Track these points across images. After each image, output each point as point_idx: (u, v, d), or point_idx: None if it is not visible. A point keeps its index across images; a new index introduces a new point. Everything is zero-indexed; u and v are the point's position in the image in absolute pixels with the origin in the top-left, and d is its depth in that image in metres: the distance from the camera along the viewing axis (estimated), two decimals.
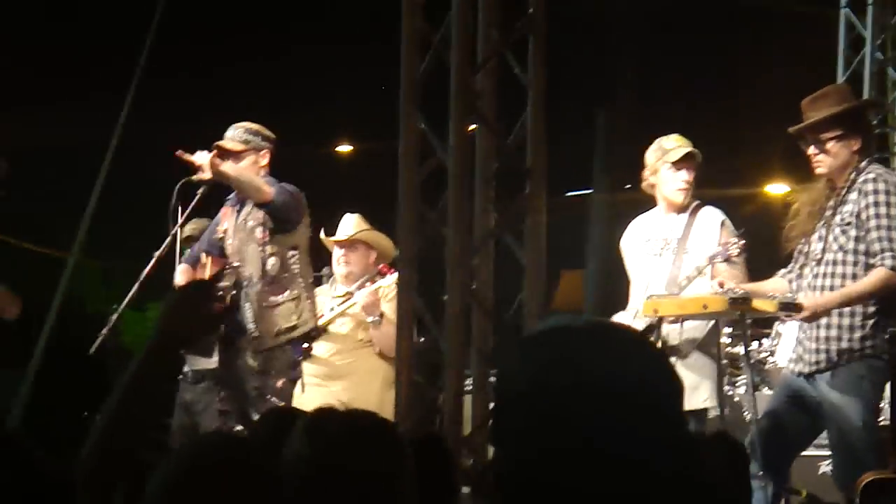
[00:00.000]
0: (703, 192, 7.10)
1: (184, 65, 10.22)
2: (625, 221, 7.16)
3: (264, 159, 7.38)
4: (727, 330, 7.31)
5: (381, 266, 7.73)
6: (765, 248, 6.82)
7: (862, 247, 6.02)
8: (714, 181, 10.87)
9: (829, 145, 6.11)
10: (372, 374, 7.48)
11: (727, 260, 6.52)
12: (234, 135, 7.33)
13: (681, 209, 6.85)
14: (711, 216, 6.78)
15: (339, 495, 2.93)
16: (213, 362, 7.74)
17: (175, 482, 2.43)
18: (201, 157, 7.07)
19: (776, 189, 12.69)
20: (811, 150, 6.17)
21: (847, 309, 6.04)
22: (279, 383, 7.12)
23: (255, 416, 7.04)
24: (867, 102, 6.55)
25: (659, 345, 6.11)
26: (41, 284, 8.21)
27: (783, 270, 6.33)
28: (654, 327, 6.37)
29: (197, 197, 7.54)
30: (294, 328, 7.19)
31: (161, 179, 7.71)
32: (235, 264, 7.10)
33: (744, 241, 6.56)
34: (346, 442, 3.01)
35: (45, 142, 10.28)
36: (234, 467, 2.47)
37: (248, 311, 7.13)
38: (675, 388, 1.77)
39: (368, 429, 3.10)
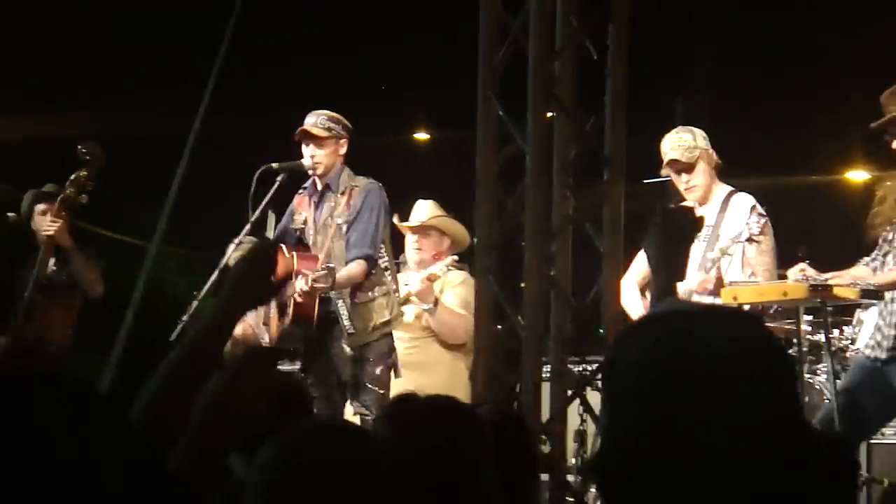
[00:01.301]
0: (782, 179, 7.07)
1: (263, 55, 10.29)
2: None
3: (343, 148, 7.42)
4: (808, 318, 7.28)
5: (433, 253, 7.70)
6: (846, 235, 6.77)
7: None
8: (793, 168, 10.80)
9: None
10: (437, 365, 7.48)
11: (749, 240, 6.49)
12: (317, 121, 7.37)
13: (706, 201, 6.86)
14: (742, 202, 6.76)
15: (421, 478, 2.95)
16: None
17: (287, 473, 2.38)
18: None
19: (857, 176, 12.57)
20: (894, 144, 6.14)
21: None
22: (377, 370, 7.11)
23: (350, 404, 7.09)
24: None
25: None
26: (125, 273, 8.32)
27: (866, 258, 6.29)
28: None
29: (276, 185, 7.60)
30: (388, 322, 7.20)
31: (242, 168, 7.78)
32: (332, 264, 7.09)
33: (765, 220, 6.52)
34: (427, 424, 3.04)
35: (127, 133, 10.39)
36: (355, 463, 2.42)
37: (342, 309, 7.12)
38: (789, 369, 1.76)
39: (449, 411, 3.14)
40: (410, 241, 7.83)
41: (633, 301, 6.91)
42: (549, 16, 5.90)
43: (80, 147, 8.01)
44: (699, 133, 6.94)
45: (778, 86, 11.66)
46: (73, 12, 10.36)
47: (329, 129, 7.37)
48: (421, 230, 7.77)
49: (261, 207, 7.65)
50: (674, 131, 7.01)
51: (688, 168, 6.88)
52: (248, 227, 7.85)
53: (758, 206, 6.71)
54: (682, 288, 6.59)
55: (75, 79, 10.77)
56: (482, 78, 5.99)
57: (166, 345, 8.20)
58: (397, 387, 6.85)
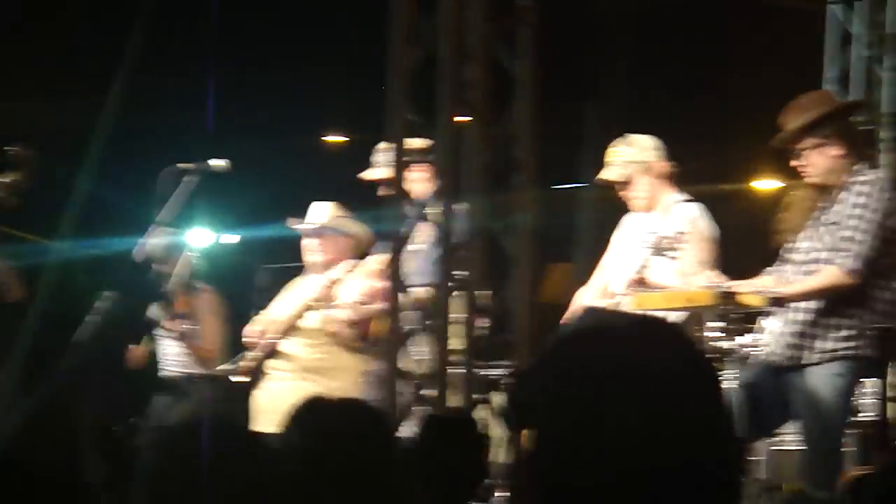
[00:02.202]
0: (692, 187, 7.12)
1: (176, 50, 10.21)
2: (612, 215, 7.17)
3: None
4: (713, 325, 7.33)
5: (333, 256, 7.60)
6: (754, 243, 6.83)
7: None
8: (702, 176, 10.91)
9: (809, 155, 6.14)
10: (343, 370, 7.41)
11: (660, 254, 6.53)
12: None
13: (652, 208, 6.90)
14: (684, 212, 6.79)
15: (331, 482, 2.95)
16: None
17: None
18: None
19: (764, 185, 12.72)
20: (793, 161, 6.21)
21: (826, 307, 6.06)
22: None
23: None
24: (841, 106, 6.53)
25: None
26: (28, 273, 8.21)
27: (769, 269, 6.35)
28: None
29: (185, 186, 7.53)
30: None
31: (151, 167, 7.72)
32: None
33: (677, 236, 6.55)
34: (335, 427, 3.03)
35: (27, 129, 10.25)
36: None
37: None
38: (711, 375, 1.78)
39: (357, 414, 3.13)
40: (311, 244, 7.69)
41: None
42: (461, 20, 5.90)
43: (11, 149, 7.81)
44: (642, 143, 6.92)
45: (688, 92, 11.77)
46: None
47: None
48: (319, 232, 7.66)
49: (167, 207, 7.58)
50: (616, 142, 6.98)
51: (622, 185, 6.90)
52: (154, 226, 7.78)
53: (699, 220, 6.73)
54: (612, 289, 6.64)
55: None
56: (393, 80, 5.99)
57: (70, 345, 8.12)
58: (303, 391, 6.80)
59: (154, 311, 8.54)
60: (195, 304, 8.46)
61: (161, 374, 8.66)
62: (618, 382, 1.70)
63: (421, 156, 6.71)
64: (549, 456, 1.72)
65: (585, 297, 6.96)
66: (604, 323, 1.83)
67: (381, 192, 7.04)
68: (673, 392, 1.71)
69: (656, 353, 1.74)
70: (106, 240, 8.68)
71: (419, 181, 6.95)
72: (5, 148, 7.75)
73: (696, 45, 11.60)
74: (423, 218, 6.63)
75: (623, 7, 11.48)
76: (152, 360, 8.80)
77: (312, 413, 3.15)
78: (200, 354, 8.45)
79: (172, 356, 8.60)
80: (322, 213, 7.66)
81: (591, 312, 6.08)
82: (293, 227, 7.71)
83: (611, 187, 6.96)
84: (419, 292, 6.72)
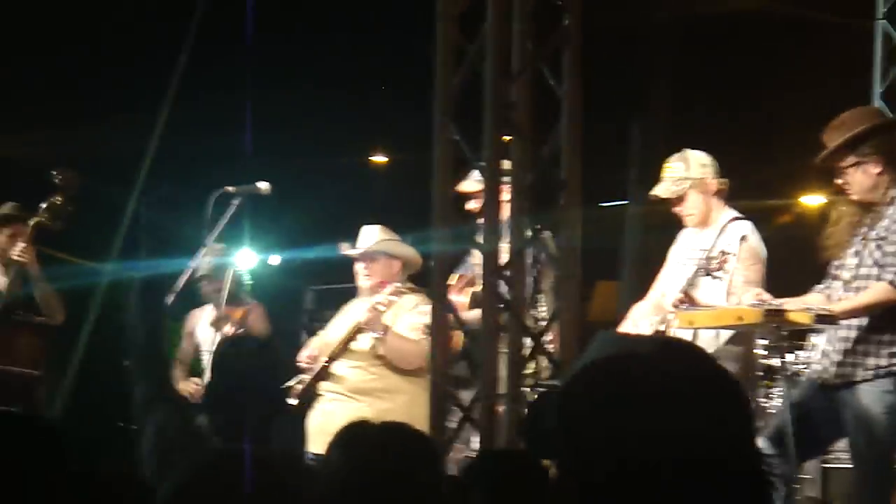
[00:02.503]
0: (738, 203, 7.09)
1: (218, 76, 10.24)
2: (659, 233, 7.16)
3: None
4: (762, 342, 7.30)
5: (381, 280, 7.61)
6: (800, 258, 6.80)
7: None
8: (749, 192, 10.85)
9: (850, 173, 6.13)
10: (395, 392, 7.41)
11: (708, 274, 6.51)
12: None
13: (705, 224, 6.88)
14: (736, 231, 6.75)
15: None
16: None
17: None
18: None
19: (811, 200, 12.64)
20: (836, 179, 6.19)
21: (875, 324, 6.04)
22: None
23: None
24: (881, 123, 6.49)
25: None
26: (76, 296, 8.26)
27: (819, 286, 6.32)
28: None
29: (231, 209, 7.57)
30: None
31: (197, 190, 7.76)
32: None
33: (725, 255, 6.53)
34: (381, 453, 3.03)
35: (77, 154, 10.31)
36: None
37: None
38: (738, 398, 1.78)
39: (400, 437, 3.12)
40: (359, 267, 7.71)
41: (646, 323, 6.88)
42: (506, 40, 5.91)
43: (54, 172, 7.88)
44: (696, 159, 6.92)
45: (734, 109, 11.72)
46: (21, 33, 10.28)
47: None
48: (367, 256, 7.67)
49: (215, 230, 7.63)
50: (671, 158, 6.98)
51: (675, 201, 6.89)
52: (203, 249, 7.83)
53: (750, 238, 6.71)
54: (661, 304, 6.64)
55: (24, 101, 10.67)
56: (438, 102, 5.99)
57: (119, 369, 8.16)
58: (354, 413, 6.81)
59: (203, 327, 8.55)
60: (247, 316, 8.50)
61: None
62: (639, 410, 1.71)
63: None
64: (573, 484, 1.73)
65: (640, 312, 6.94)
66: (621, 350, 1.82)
67: (470, 205, 7.06)
68: (696, 414, 1.71)
69: (677, 375, 1.74)
70: (154, 262, 8.74)
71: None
72: (50, 172, 7.82)
73: (742, 62, 11.56)
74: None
75: (667, 24, 11.46)
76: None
77: (354, 437, 3.15)
78: None
79: None
80: (370, 236, 7.68)
81: (606, 339, 6.04)
82: (343, 252, 7.74)
83: (662, 203, 6.96)
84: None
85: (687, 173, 6.86)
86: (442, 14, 5.97)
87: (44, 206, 7.84)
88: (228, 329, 8.24)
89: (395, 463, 3.02)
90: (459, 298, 7.05)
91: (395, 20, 9.33)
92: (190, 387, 8.65)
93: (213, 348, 8.27)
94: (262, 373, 4.55)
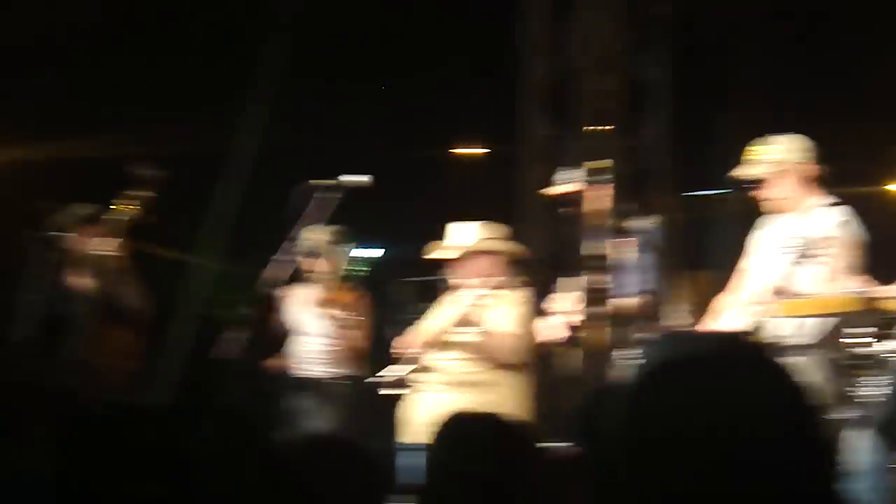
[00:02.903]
0: (837, 190, 7.02)
1: (310, 75, 10.32)
2: (745, 222, 7.10)
3: None
4: (863, 330, 7.20)
5: (484, 275, 7.57)
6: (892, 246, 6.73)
7: None
8: (839, 179, 10.74)
9: None
10: (496, 384, 7.40)
11: (808, 259, 6.42)
12: None
13: (794, 211, 6.81)
14: (834, 216, 6.68)
15: (471, 494, 2.97)
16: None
17: None
18: None
19: None
20: None
21: None
22: None
23: None
24: None
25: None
26: (167, 291, 8.35)
27: None
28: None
29: (314, 202, 7.60)
30: None
31: (285, 185, 7.81)
32: None
33: (825, 241, 6.45)
34: (477, 442, 3.05)
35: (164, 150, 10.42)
36: None
37: None
38: (800, 400, 1.78)
39: (498, 429, 3.14)
40: (460, 266, 7.68)
41: (738, 317, 6.84)
42: (597, 31, 5.91)
43: (139, 168, 7.96)
44: (787, 143, 6.82)
45: (821, 95, 11.61)
46: (114, 26, 10.40)
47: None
48: (468, 256, 7.63)
49: (299, 224, 7.66)
50: (755, 141, 6.90)
51: (764, 182, 6.81)
52: (288, 242, 7.87)
53: (849, 224, 6.63)
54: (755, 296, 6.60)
55: (112, 97, 10.80)
56: (528, 93, 6.00)
57: (212, 364, 8.23)
58: (454, 404, 6.82)
59: (298, 305, 8.55)
60: (357, 303, 8.49)
61: (300, 373, 8.61)
62: (704, 411, 1.72)
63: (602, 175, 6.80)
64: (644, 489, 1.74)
65: (727, 304, 6.89)
66: (686, 349, 1.83)
67: (563, 210, 7.04)
68: (760, 412, 1.72)
69: (740, 374, 1.75)
70: (245, 257, 8.81)
71: (605, 199, 7.00)
72: (136, 168, 7.91)
73: (829, 47, 11.45)
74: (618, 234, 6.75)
75: (753, 14, 11.38)
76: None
77: (453, 427, 3.17)
78: (354, 349, 8.41)
79: (315, 355, 8.54)
80: (468, 234, 7.60)
81: (672, 337, 6.03)
82: (437, 256, 7.69)
83: (743, 188, 6.90)
84: (625, 302, 6.83)
85: (775, 156, 6.79)
86: (531, 4, 5.99)
87: (133, 202, 7.92)
88: (337, 312, 8.23)
89: (492, 455, 3.04)
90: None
91: (486, 10, 9.35)
92: (279, 363, 8.60)
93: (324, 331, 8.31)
94: None
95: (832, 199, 6.70)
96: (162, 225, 8.22)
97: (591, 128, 5.95)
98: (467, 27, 10.42)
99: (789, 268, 6.46)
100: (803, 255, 6.41)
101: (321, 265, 8.19)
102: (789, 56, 11.30)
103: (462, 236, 7.53)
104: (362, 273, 8.83)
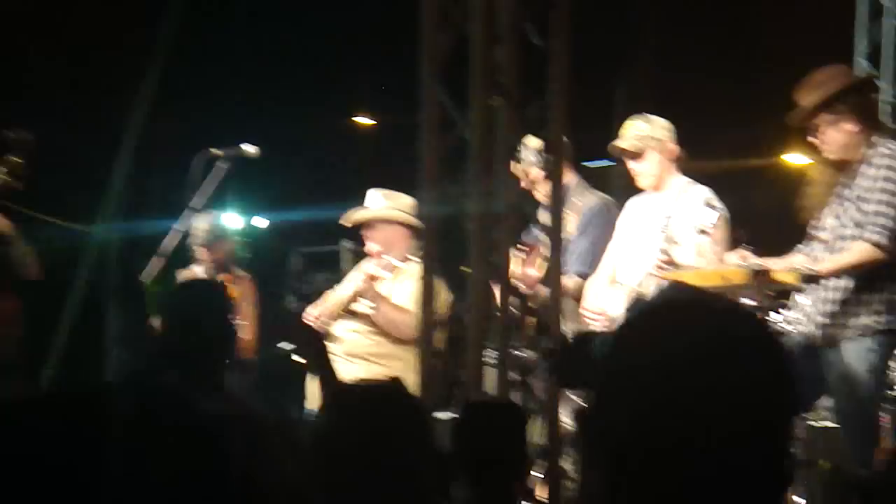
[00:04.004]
0: (721, 162, 7.11)
1: (204, 42, 10.23)
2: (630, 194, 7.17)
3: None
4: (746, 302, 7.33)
5: (382, 248, 7.53)
6: (786, 218, 6.83)
7: None
8: (733, 152, 10.88)
9: (825, 131, 6.14)
10: (392, 357, 7.41)
11: (702, 231, 6.51)
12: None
13: (658, 189, 6.91)
14: (696, 194, 6.77)
15: (362, 464, 2.97)
16: None
17: None
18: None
19: (794, 159, 12.69)
20: (810, 138, 6.21)
21: (857, 283, 6.07)
22: None
23: None
24: (855, 81, 6.50)
25: None
26: (61, 258, 8.25)
27: (801, 246, 6.35)
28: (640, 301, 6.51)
29: (218, 171, 7.57)
30: None
31: (185, 153, 7.76)
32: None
33: (718, 214, 6.55)
34: (369, 414, 3.06)
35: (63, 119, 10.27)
36: None
37: None
38: (782, 354, 1.83)
39: (391, 398, 3.15)
40: (366, 232, 7.64)
41: (605, 297, 6.90)
42: (491, 2, 5.91)
43: (9, 133, 7.83)
44: (659, 124, 6.94)
45: (717, 67, 11.73)
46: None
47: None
48: (370, 223, 7.61)
49: (200, 192, 7.63)
50: (632, 117, 7.02)
51: (634, 155, 6.92)
52: (187, 212, 7.83)
53: (713, 199, 6.73)
54: (633, 276, 6.66)
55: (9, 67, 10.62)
56: (425, 63, 6.00)
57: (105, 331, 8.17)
58: (350, 375, 6.84)
59: None
60: (235, 293, 8.48)
61: None
62: (691, 356, 1.76)
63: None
64: (609, 418, 1.77)
65: (594, 285, 6.97)
66: (686, 297, 1.88)
67: (537, 194, 6.96)
68: (746, 366, 1.76)
69: (734, 330, 1.79)
70: (139, 224, 8.74)
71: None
72: (6, 132, 7.77)
73: (725, 20, 11.57)
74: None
75: None
76: None
77: (342, 399, 3.18)
78: (239, 345, 8.43)
79: None
80: (374, 202, 7.57)
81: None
82: (343, 222, 7.67)
83: (622, 161, 6.99)
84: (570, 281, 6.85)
85: (647, 132, 6.90)
86: None
87: (2, 165, 7.76)
88: None
89: (384, 423, 3.05)
90: (531, 272, 6.90)
91: None
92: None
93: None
94: (213, 314, 4.52)
95: (690, 179, 6.81)
96: (54, 190, 8.12)
97: (488, 99, 5.96)
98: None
99: (667, 242, 6.54)
100: (673, 237, 6.49)
101: (205, 254, 8.16)
102: (685, 26, 11.41)
103: (369, 204, 7.51)
104: (245, 256, 8.79)
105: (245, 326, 8.46)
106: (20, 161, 7.71)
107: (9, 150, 7.78)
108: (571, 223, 7.04)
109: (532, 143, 6.68)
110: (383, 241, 7.47)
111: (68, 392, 1.99)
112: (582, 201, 7.20)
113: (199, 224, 8.09)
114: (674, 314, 1.83)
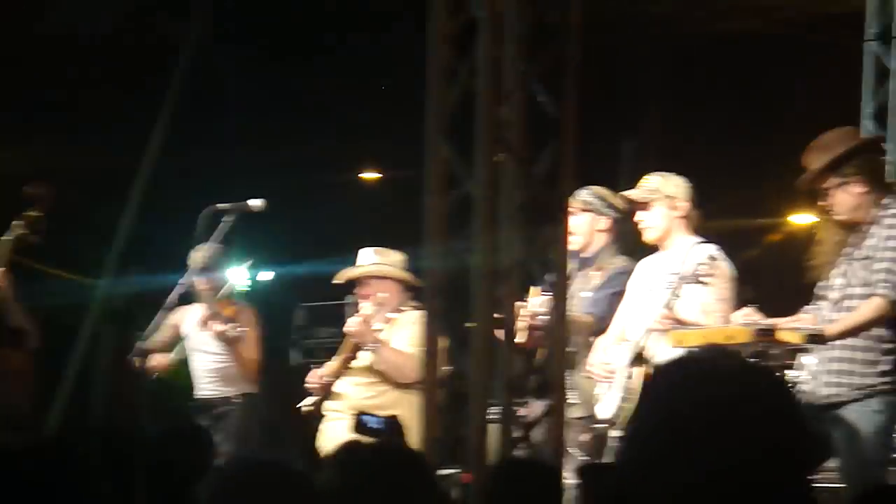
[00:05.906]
0: (728, 222, 7.12)
1: (213, 93, 10.26)
2: (651, 251, 7.18)
3: (601, 224, 7.35)
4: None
5: (379, 301, 7.56)
6: (792, 277, 6.83)
7: None
8: (738, 211, 10.88)
9: (833, 194, 6.15)
10: (396, 407, 7.39)
11: (697, 281, 6.53)
12: (577, 197, 7.13)
13: (666, 247, 6.93)
14: (701, 250, 6.78)
15: None
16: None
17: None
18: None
19: (800, 219, 12.69)
20: (819, 200, 6.22)
21: (863, 343, 6.05)
22: None
23: None
24: (861, 143, 6.51)
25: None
26: (65, 312, 8.24)
27: (808, 307, 6.34)
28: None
29: (223, 226, 7.57)
30: None
31: (191, 207, 7.76)
32: None
33: (720, 264, 6.56)
34: (375, 471, 3.05)
35: (69, 170, 10.28)
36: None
37: None
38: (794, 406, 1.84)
39: (395, 458, 3.14)
40: (358, 291, 7.73)
41: (611, 353, 6.89)
42: (498, 59, 5.93)
43: (27, 187, 7.82)
44: (673, 181, 6.98)
45: (724, 129, 11.77)
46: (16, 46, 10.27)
47: (588, 204, 7.25)
48: (363, 280, 7.69)
49: (208, 247, 7.65)
50: (650, 173, 7.07)
51: (642, 206, 6.96)
52: (193, 266, 7.84)
53: (715, 254, 6.73)
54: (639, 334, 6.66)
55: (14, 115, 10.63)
56: (431, 120, 6.01)
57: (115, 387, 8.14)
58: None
59: (190, 325, 8.50)
60: (239, 316, 8.48)
61: (197, 395, 8.56)
62: (714, 412, 1.81)
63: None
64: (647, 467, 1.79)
65: (603, 345, 6.96)
66: (700, 361, 1.92)
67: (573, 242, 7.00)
68: (765, 426, 1.81)
69: (752, 390, 1.84)
70: (146, 278, 8.74)
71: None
72: (24, 187, 7.77)
73: (732, 82, 11.61)
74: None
75: (658, 46, 11.50)
76: (183, 373, 8.68)
77: (348, 455, 3.17)
78: (243, 363, 8.40)
79: (207, 373, 8.51)
80: (364, 259, 7.68)
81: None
82: (336, 280, 7.73)
83: (633, 213, 7.04)
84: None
85: (660, 186, 6.94)
86: (435, 33, 6.00)
87: (20, 222, 7.72)
88: (218, 327, 8.22)
89: (388, 484, 3.04)
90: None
91: (389, 38, 9.36)
92: (157, 360, 8.45)
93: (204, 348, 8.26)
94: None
95: (700, 239, 6.82)
96: (65, 245, 8.12)
97: (494, 156, 5.97)
98: (374, 54, 10.44)
99: (671, 300, 6.55)
100: (693, 276, 6.50)
101: (202, 283, 8.17)
102: (693, 89, 11.44)
103: (362, 261, 7.56)
104: (244, 290, 8.80)
105: (251, 346, 8.44)
106: (40, 215, 7.71)
107: (30, 204, 7.77)
108: (595, 280, 7.14)
109: (599, 191, 7.07)
110: (372, 295, 7.54)
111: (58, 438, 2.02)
112: (612, 264, 7.25)
113: (201, 255, 8.03)
114: (693, 376, 1.86)
